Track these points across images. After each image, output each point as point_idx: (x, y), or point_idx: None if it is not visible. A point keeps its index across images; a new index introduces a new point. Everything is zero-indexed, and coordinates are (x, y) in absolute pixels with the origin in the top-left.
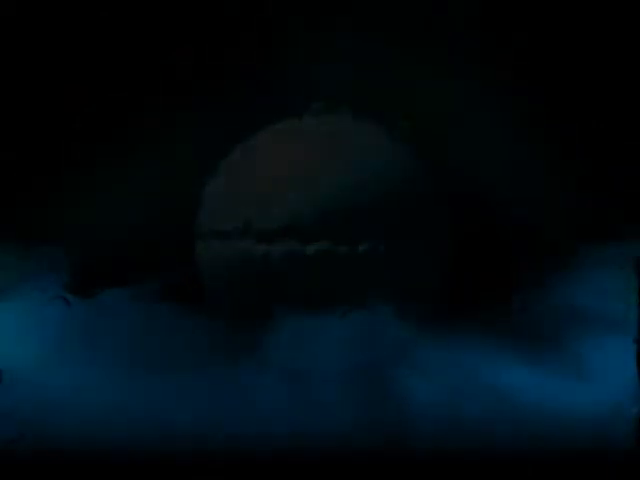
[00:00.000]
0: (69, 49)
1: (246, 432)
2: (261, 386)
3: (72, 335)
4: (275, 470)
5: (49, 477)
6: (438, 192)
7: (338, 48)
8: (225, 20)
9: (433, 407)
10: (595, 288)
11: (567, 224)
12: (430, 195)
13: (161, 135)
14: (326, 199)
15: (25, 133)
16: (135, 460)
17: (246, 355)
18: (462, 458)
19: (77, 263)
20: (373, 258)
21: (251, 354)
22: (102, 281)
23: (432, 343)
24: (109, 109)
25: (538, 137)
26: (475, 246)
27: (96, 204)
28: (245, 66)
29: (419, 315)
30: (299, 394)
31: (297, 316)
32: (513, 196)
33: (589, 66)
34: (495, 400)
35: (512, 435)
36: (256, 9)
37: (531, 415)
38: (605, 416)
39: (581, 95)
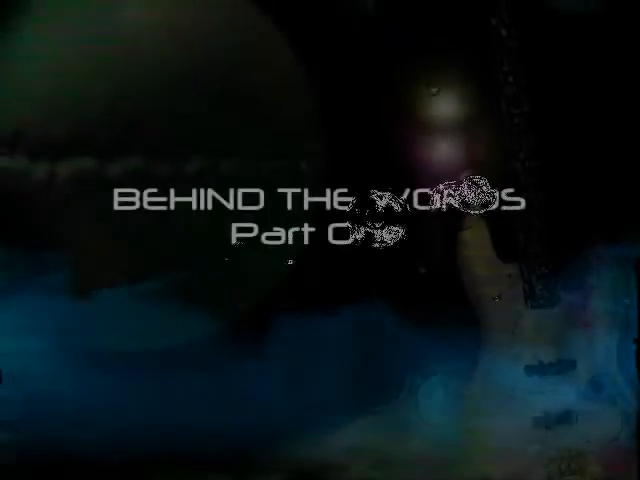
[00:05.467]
0: None
1: (246, 431)
2: (261, 385)
3: (72, 335)
4: (275, 469)
5: (49, 477)
6: None
7: None
8: None
9: (433, 406)
10: (595, 288)
11: (567, 224)
12: None
13: None
14: None
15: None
16: (135, 460)
17: (246, 355)
18: (461, 457)
19: (77, 263)
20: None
21: (251, 354)
22: (102, 281)
23: (432, 342)
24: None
25: (537, 136)
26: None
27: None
28: None
29: (418, 314)
30: (299, 394)
31: (297, 316)
32: (512, 195)
33: (586, 66)
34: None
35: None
36: None
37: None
38: (605, 416)
39: (578, 95)
